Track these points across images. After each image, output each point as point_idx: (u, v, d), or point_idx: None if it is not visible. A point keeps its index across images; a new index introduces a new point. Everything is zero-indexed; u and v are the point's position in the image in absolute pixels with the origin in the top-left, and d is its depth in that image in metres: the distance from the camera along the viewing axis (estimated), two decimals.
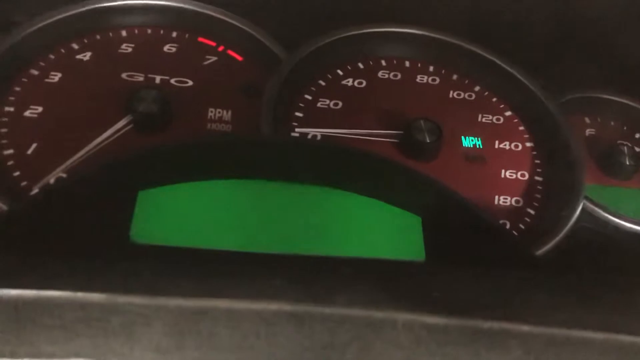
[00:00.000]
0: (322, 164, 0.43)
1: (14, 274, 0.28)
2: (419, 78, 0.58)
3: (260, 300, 0.27)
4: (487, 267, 0.35)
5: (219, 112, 0.52)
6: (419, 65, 0.59)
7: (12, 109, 0.49)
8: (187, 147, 0.42)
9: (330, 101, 0.54)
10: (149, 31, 0.56)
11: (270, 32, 0.56)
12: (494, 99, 0.58)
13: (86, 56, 0.53)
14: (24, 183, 0.45)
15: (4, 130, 0.47)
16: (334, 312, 0.27)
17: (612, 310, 0.32)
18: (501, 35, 0.60)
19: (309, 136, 0.52)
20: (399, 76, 0.57)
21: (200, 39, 0.56)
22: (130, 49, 0.54)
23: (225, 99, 0.53)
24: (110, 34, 0.55)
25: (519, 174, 0.53)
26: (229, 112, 0.52)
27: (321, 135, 0.52)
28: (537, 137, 0.56)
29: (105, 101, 0.50)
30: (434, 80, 0.58)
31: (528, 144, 0.55)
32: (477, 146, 0.54)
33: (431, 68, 0.59)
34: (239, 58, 0.56)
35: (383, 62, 0.58)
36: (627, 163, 0.55)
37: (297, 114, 0.53)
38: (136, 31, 0.56)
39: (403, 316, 0.27)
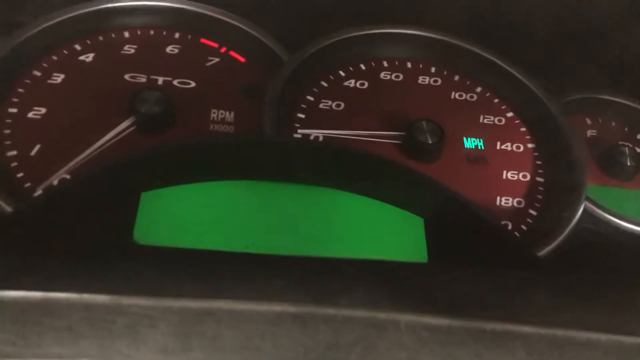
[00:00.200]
0: (325, 166, 0.43)
1: (19, 276, 0.28)
2: (420, 79, 0.58)
3: (265, 302, 0.27)
4: (489, 267, 0.35)
5: (222, 114, 0.52)
6: (421, 66, 0.59)
7: (15, 111, 0.49)
8: (189, 149, 0.42)
9: (333, 102, 0.54)
10: (152, 32, 0.56)
11: (273, 34, 0.56)
12: (496, 100, 0.58)
13: (89, 57, 0.53)
14: (27, 184, 0.45)
15: (7, 131, 0.48)
16: (337, 313, 0.27)
17: (613, 310, 0.32)
18: (502, 36, 0.60)
19: (311, 137, 0.52)
20: (401, 77, 0.58)
21: (203, 40, 0.57)
22: (132, 50, 0.54)
23: (228, 100, 0.53)
24: (113, 35, 0.55)
25: (520, 175, 0.53)
26: (232, 114, 0.52)
27: (323, 136, 0.52)
28: (539, 138, 0.56)
29: (108, 102, 0.50)
30: (435, 81, 0.58)
31: (530, 145, 0.55)
32: (479, 147, 0.54)
33: (433, 69, 0.59)
34: (242, 59, 0.56)
35: (385, 63, 0.58)
36: (628, 164, 0.55)
37: (300, 115, 0.53)
38: (139, 32, 0.56)
39: (406, 317, 0.27)
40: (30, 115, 0.49)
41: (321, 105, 0.54)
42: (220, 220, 0.40)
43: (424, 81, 0.58)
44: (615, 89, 0.61)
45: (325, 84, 0.55)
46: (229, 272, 0.30)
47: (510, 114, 0.57)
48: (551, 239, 0.48)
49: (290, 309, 0.27)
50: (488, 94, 0.58)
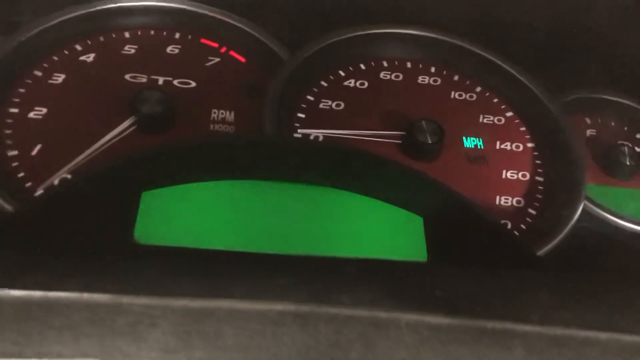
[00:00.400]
0: (325, 165, 0.43)
1: (20, 275, 0.28)
2: (420, 79, 0.58)
3: (266, 301, 0.27)
4: (489, 267, 0.35)
5: (222, 113, 0.52)
6: (421, 66, 0.59)
7: (16, 111, 0.49)
8: (190, 148, 0.42)
9: (333, 102, 0.54)
10: (152, 32, 0.56)
11: (273, 34, 0.56)
12: (495, 100, 0.58)
13: (89, 57, 0.53)
14: (28, 184, 0.46)
15: (8, 131, 0.48)
16: (338, 312, 0.27)
17: (613, 309, 0.32)
18: (502, 35, 0.60)
19: (312, 137, 0.52)
20: (401, 77, 0.58)
21: (203, 40, 0.57)
22: (133, 51, 0.54)
23: (228, 100, 0.53)
24: (114, 36, 0.55)
25: (520, 174, 0.53)
26: (232, 113, 0.52)
27: (323, 136, 0.52)
28: (538, 137, 0.56)
29: (109, 102, 0.50)
30: (435, 81, 0.58)
31: (529, 145, 0.55)
32: (479, 147, 0.54)
33: (433, 69, 0.59)
34: (242, 59, 0.56)
35: (385, 63, 0.58)
36: (628, 163, 0.56)
37: (300, 114, 0.53)
38: (139, 32, 0.56)
39: (407, 316, 0.27)
40: (31, 115, 0.49)
41: (321, 105, 0.54)
42: (220, 220, 0.40)
43: (424, 81, 0.58)
44: (615, 89, 0.61)
45: (325, 84, 0.56)
46: (229, 271, 0.31)
47: (509, 114, 0.57)
48: (550, 238, 0.48)
49: (291, 307, 0.27)
50: (488, 94, 0.58)
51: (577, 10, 0.60)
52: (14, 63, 0.51)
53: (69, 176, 0.46)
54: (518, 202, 0.52)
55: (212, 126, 0.52)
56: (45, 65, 0.52)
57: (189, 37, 0.56)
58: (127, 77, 0.53)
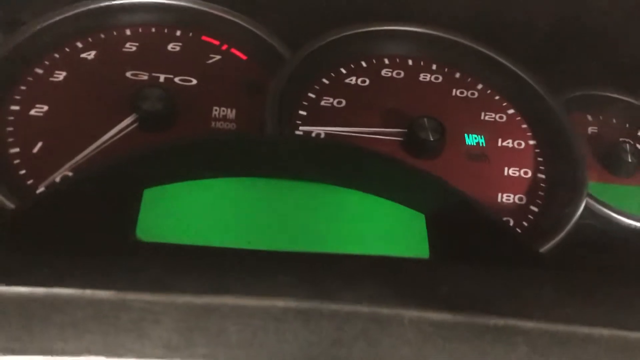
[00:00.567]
0: (326, 162, 0.43)
1: (22, 272, 0.28)
2: (422, 76, 0.58)
3: (268, 297, 0.27)
4: (491, 264, 0.35)
5: (223, 111, 0.52)
6: (422, 63, 0.59)
7: (17, 108, 0.49)
8: (191, 146, 0.42)
9: (334, 99, 0.54)
10: (153, 30, 0.56)
11: (274, 31, 0.56)
12: (497, 97, 0.58)
13: (90, 55, 0.53)
14: (30, 182, 0.46)
15: (9, 129, 0.48)
16: (340, 308, 0.27)
17: (616, 306, 0.32)
18: (504, 33, 0.60)
19: (313, 134, 0.52)
20: (402, 74, 0.58)
21: (204, 38, 0.57)
22: (134, 48, 0.54)
23: (229, 97, 0.53)
24: (115, 33, 0.55)
25: (521, 171, 0.53)
26: (233, 111, 0.52)
27: (325, 133, 0.52)
28: (540, 135, 0.56)
29: (110, 100, 0.50)
30: (437, 78, 0.58)
31: (531, 142, 0.55)
32: (480, 144, 0.54)
33: (434, 66, 0.59)
34: (243, 57, 0.56)
35: (386, 61, 0.58)
36: (630, 160, 0.56)
37: (301, 112, 0.53)
38: (140, 30, 0.56)
39: (409, 313, 0.27)
40: (32, 112, 0.49)
41: (322, 103, 0.54)
42: (222, 217, 0.40)
43: (425, 78, 0.58)
44: (617, 86, 0.61)
45: (326, 81, 0.56)
46: (232, 268, 0.31)
47: (511, 111, 0.57)
48: (552, 235, 0.48)
49: (293, 304, 0.27)
50: (489, 91, 0.58)
51: (579, 7, 0.60)
52: (15, 61, 0.51)
53: (70, 173, 0.46)
54: (520, 199, 0.52)
55: (213, 124, 0.52)
56: (47, 62, 0.52)
57: (190, 34, 0.56)
58: (128, 74, 0.52)
